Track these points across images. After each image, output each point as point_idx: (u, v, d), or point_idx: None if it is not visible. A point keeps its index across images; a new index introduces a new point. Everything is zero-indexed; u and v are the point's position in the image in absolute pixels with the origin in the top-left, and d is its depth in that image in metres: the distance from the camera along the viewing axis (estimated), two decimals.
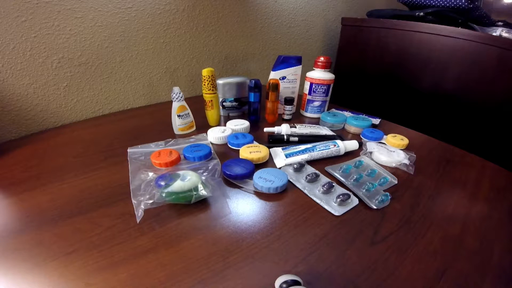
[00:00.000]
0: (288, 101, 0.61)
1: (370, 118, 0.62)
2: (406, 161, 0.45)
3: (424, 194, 0.40)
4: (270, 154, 0.46)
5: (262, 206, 0.35)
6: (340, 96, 1.07)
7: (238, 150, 0.46)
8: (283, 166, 0.43)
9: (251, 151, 0.43)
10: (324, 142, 0.47)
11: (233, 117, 0.65)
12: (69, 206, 0.35)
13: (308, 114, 0.67)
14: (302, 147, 0.46)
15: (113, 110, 0.69)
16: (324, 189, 0.37)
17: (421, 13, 0.85)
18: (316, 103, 0.64)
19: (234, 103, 0.64)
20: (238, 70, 0.90)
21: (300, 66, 0.62)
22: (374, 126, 0.61)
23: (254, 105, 0.60)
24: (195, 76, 0.80)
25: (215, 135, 0.50)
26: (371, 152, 0.47)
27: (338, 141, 0.47)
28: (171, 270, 0.27)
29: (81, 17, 0.56)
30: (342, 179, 0.40)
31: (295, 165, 0.42)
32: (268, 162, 0.45)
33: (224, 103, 0.63)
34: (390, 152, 0.46)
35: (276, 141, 0.50)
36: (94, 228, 0.32)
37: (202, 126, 0.58)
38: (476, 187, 0.42)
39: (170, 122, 0.55)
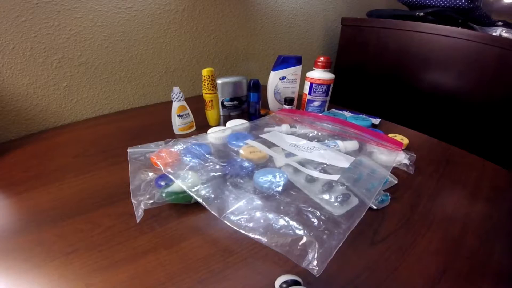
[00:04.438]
0: (288, 101, 0.61)
1: (370, 118, 0.62)
2: (406, 161, 0.45)
3: (424, 194, 0.40)
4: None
5: (262, 206, 0.35)
6: (340, 96, 1.07)
7: (238, 150, 0.46)
8: (283, 166, 0.43)
9: (251, 151, 0.43)
10: (324, 142, 0.47)
11: (234, 116, 0.65)
12: (69, 206, 0.35)
13: None
14: None
15: (113, 110, 0.69)
16: (324, 189, 0.37)
17: (421, 13, 0.85)
18: (316, 103, 0.64)
19: (234, 102, 0.64)
20: (238, 70, 0.90)
21: (300, 66, 0.62)
22: (374, 126, 0.61)
23: (254, 105, 0.60)
24: (195, 76, 0.80)
25: (215, 135, 0.50)
26: (371, 152, 0.46)
27: (338, 141, 0.47)
28: (171, 270, 0.27)
29: (81, 17, 0.56)
30: (342, 179, 0.40)
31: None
32: (268, 162, 0.45)
33: (224, 103, 0.63)
34: (390, 152, 0.46)
35: None
36: (94, 228, 0.32)
37: (202, 126, 0.58)
38: (476, 187, 0.42)
39: (170, 122, 0.55)
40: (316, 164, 0.41)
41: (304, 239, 0.28)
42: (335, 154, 0.43)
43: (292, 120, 0.56)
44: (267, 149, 0.44)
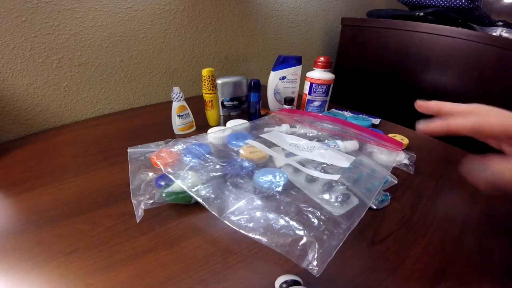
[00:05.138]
0: (288, 101, 0.61)
1: (370, 118, 0.62)
2: (406, 161, 0.45)
3: (424, 194, 0.40)
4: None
5: (262, 206, 0.35)
6: (340, 96, 1.07)
7: (238, 150, 0.46)
8: (283, 166, 0.43)
9: (251, 151, 0.43)
10: (324, 142, 0.47)
11: (234, 116, 0.65)
12: (69, 206, 0.35)
13: None
14: None
15: (113, 110, 0.69)
16: (324, 189, 0.37)
17: (421, 13, 0.85)
18: (316, 103, 0.64)
19: (234, 102, 0.64)
20: (238, 70, 0.90)
21: (300, 66, 0.62)
22: (374, 126, 0.61)
23: (255, 105, 0.60)
24: (195, 76, 0.80)
25: (215, 135, 0.50)
26: (371, 152, 0.46)
27: (338, 141, 0.47)
28: (171, 270, 0.27)
29: (81, 17, 0.56)
30: (342, 179, 0.40)
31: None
32: (268, 162, 0.45)
33: (224, 103, 0.63)
34: (390, 152, 0.46)
35: None
36: (94, 228, 0.32)
37: (202, 126, 0.58)
38: (476, 187, 0.42)
39: (170, 122, 0.55)
40: (317, 163, 0.41)
41: (304, 239, 0.28)
42: (335, 154, 0.43)
43: (292, 120, 0.56)
44: (267, 149, 0.44)
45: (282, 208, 0.33)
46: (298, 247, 0.27)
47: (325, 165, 0.41)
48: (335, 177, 0.37)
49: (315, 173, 0.39)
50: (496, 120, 0.27)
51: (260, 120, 0.56)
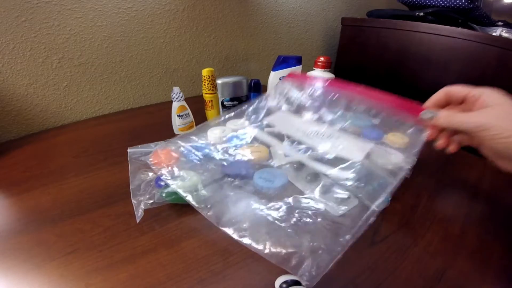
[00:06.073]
0: None
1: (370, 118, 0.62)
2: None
3: (424, 194, 0.40)
4: (270, 153, 0.46)
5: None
6: None
7: (238, 150, 0.46)
8: (284, 164, 0.43)
9: (252, 151, 0.43)
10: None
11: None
12: (69, 206, 0.35)
13: None
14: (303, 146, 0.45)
15: (113, 110, 0.69)
16: (324, 189, 0.37)
17: (421, 13, 0.85)
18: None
19: (234, 102, 0.64)
20: (238, 70, 0.90)
21: (300, 66, 0.62)
22: (374, 126, 0.61)
23: None
24: (195, 76, 0.80)
25: (215, 135, 0.50)
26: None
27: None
28: (171, 270, 0.27)
29: (81, 17, 0.56)
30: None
31: (295, 165, 0.41)
32: (268, 162, 0.45)
33: (224, 103, 0.63)
34: (388, 154, 0.45)
35: None
36: (94, 228, 0.32)
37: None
38: (476, 187, 0.42)
39: (170, 122, 0.55)
40: (323, 156, 0.39)
41: (300, 250, 0.27)
42: (350, 143, 0.39)
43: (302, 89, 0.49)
44: (264, 149, 0.44)
45: (279, 215, 0.32)
46: (293, 258, 0.26)
47: (333, 159, 0.38)
48: (341, 174, 0.35)
49: (323, 168, 0.36)
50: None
51: (259, 102, 0.51)
